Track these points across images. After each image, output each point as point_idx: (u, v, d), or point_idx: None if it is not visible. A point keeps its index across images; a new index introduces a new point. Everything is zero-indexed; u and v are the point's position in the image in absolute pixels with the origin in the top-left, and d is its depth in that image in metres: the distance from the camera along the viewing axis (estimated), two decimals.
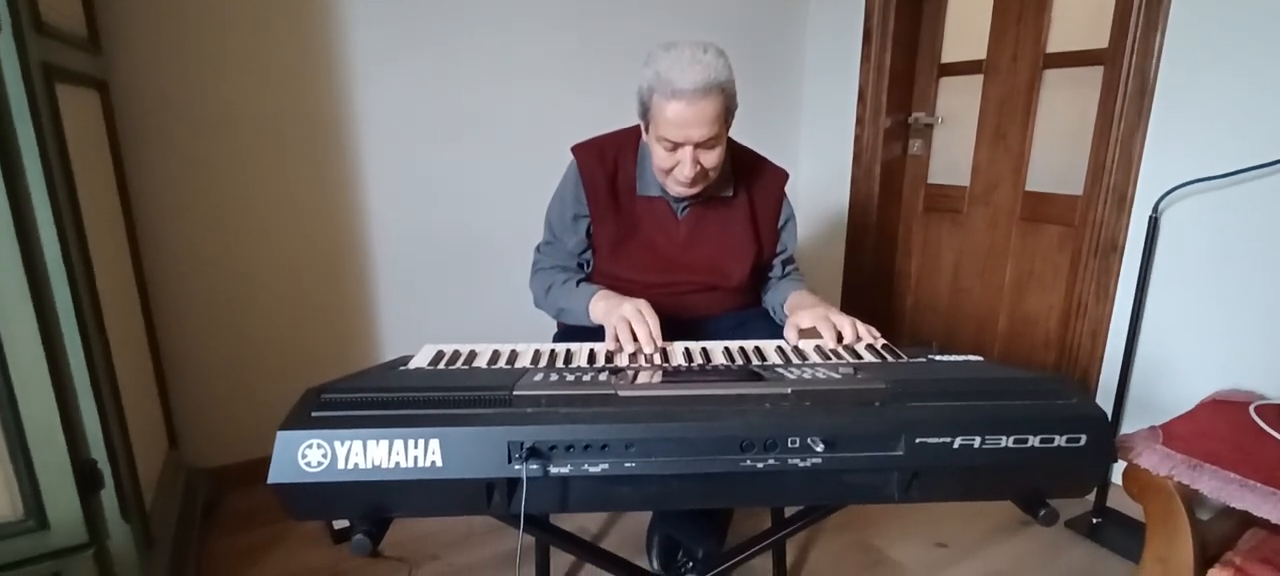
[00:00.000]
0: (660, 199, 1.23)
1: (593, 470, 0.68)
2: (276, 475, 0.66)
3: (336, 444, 0.66)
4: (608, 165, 1.23)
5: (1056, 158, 1.94)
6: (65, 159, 1.04)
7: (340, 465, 0.66)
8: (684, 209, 1.24)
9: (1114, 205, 1.68)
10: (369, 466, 0.66)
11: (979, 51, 2.09)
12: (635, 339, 1.00)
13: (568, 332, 1.25)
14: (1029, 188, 2.02)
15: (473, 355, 0.96)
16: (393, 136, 1.77)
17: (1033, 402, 0.75)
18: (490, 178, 1.93)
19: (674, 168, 1.11)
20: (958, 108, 2.20)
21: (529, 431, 0.68)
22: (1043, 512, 0.75)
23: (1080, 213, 1.82)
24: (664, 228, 1.24)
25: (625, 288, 1.18)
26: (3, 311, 0.92)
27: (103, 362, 1.09)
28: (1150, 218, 1.54)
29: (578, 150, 1.25)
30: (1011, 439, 0.72)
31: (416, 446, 0.67)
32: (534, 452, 0.67)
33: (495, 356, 0.95)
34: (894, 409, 0.73)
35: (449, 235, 1.91)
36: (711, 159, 1.11)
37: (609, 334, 1.04)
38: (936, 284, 2.34)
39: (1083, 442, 0.73)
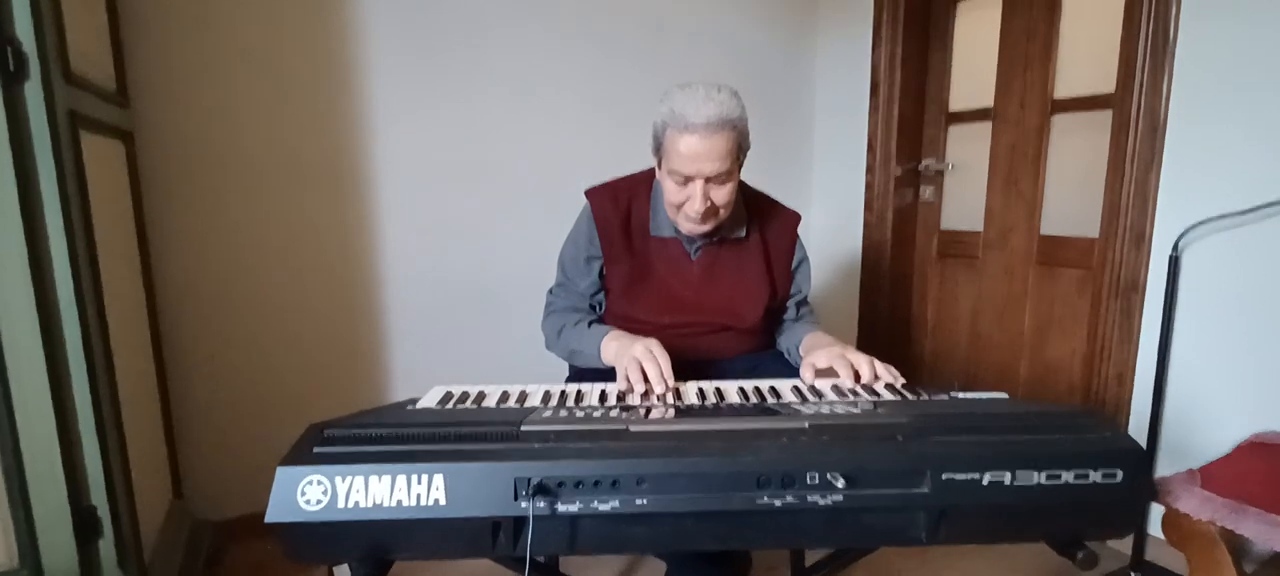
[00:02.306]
0: (674, 239, 1.23)
1: (603, 508, 0.65)
2: (275, 513, 0.64)
3: (337, 480, 0.64)
4: (621, 207, 1.23)
5: (1070, 200, 1.93)
6: (85, 205, 1.06)
7: (340, 503, 0.64)
8: (697, 249, 1.24)
9: (1132, 245, 1.66)
10: (370, 504, 0.64)
11: (986, 100, 2.11)
12: (646, 379, 0.98)
13: (580, 376, 1.23)
14: (1044, 231, 2.00)
15: (482, 395, 0.94)
16: (408, 186, 1.80)
17: (1064, 436, 0.71)
18: (504, 226, 1.95)
19: (685, 203, 1.11)
20: (968, 154, 2.21)
21: (536, 467, 0.65)
22: (1081, 555, 0.71)
23: (1098, 254, 1.79)
24: (677, 268, 1.23)
25: (638, 328, 1.16)
26: (13, 351, 0.92)
27: (109, 407, 1.08)
28: (1171, 256, 1.51)
29: (591, 194, 1.26)
30: (1044, 475, 0.68)
31: (419, 483, 0.64)
32: (541, 489, 0.65)
33: (505, 396, 0.93)
34: (918, 443, 0.70)
35: (463, 283, 1.91)
36: (722, 195, 1.11)
37: (620, 374, 1.02)
38: (954, 330, 2.29)
39: (1119, 478, 0.69)
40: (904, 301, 2.41)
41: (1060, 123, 1.94)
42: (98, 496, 1.03)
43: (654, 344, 1.02)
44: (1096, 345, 1.77)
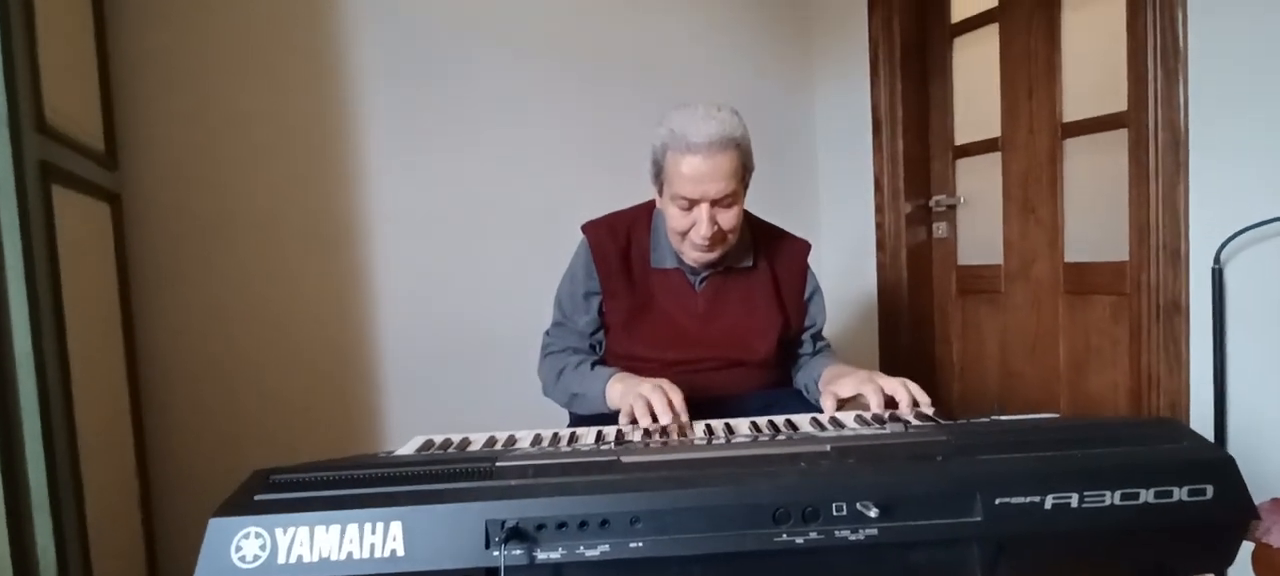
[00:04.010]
0: (676, 270, 1.16)
1: (590, 554, 0.55)
2: (205, 573, 0.54)
3: (278, 532, 0.54)
4: (619, 239, 1.17)
5: (1093, 224, 1.84)
6: (54, 260, 1.01)
7: (281, 558, 0.54)
8: (702, 281, 1.16)
9: (1168, 263, 1.55)
10: (315, 559, 0.54)
11: (993, 130, 2.06)
12: (655, 419, 0.88)
13: (581, 424, 1.12)
14: (1069, 258, 1.90)
15: (466, 442, 0.85)
16: (402, 241, 1.76)
17: (1137, 448, 0.60)
18: (500, 277, 1.89)
19: (690, 229, 1.04)
20: (979, 186, 2.14)
21: (511, 506, 0.55)
22: None
23: (1131, 277, 1.68)
24: (681, 300, 1.15)
25: (640, 366, 1.08)
26: None
27: (68, 478, 0.99)
28: (1213, 270, 1.40)
29: (587, 227, 1.21)
30: (1118, 494, 0.57)
31: (373, 532, 0.55)
32: (517, 534, 0.55)
33: (492, 441, 0.84)
34: (962, 464, 0.59)
35: (461, 338, 1.84)
36: (729, 219, 1.05)
37: (624, 412, 0.92)
38: (983, 370, 2.16)
39: (1209, 495, 0.58)
40: (926, 343, 2.29)
41: (1072, 146, 1.88)
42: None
43: (664, 381, 0.93)
44: (1142, 375, 1.63)
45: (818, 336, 1.26)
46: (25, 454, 0.92)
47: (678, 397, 0.91)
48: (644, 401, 0.90)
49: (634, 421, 0.91)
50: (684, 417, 0.89)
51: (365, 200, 1.72)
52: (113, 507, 1.22)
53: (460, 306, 1.84)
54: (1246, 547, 0.96)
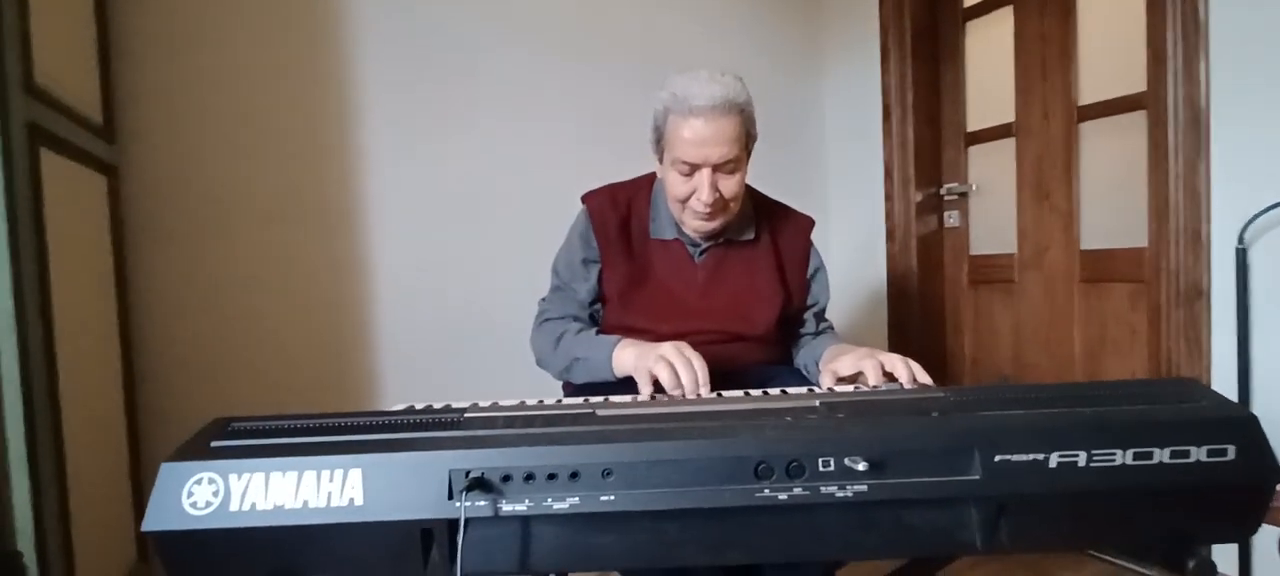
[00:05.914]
0: (676, 241, 1.13)
1: (559, 507, 0.52)
2: (153, 520, 0.51)
3: (232, 478, 0.52)
4: (619, 208, 1.14)
5: (1110, 210, 1.78)
6: (39, 224, 1.00)
7: (233, 505, 0.51)
8: (702, 253, 1.13)
9: (1188, 247, 1.49)
10: (269, 507, 0.51)
11: (1006, 115, 2.01)
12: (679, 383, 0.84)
13: (577, 394, 1.09)
14: (1085, 246, 1.84)
15: (449, 408, 0.82)
16: (403, 221, 1.74)
17: (1152, 406, 0.56)
18: (500, 261, 1.86)
19: (690, 196, 1.01)
20: (992, 174, 2.08)
21: (476, 456, 0.52)
22: (1192, 564, 0.54)
23: (1150, 263, 1.62)
24: (680, 272, 1.12)
25: (639, 339, 1.04)
26: None
27: (49, 444, 0.98)
28: (1237, 251, 1.35)
29: (588, 197, 1.18)
30: (1130, 453, 0.53)
31: (331, 479, 0.52)
32: (481, 484, 0.52)
33: (475, 407, 0.81)
34: (960, 418, 0.55)
35: (461, 320, 1.81)
36: (731, 186, 1.02)
37: (644, 379, 0.87)
38: (995, 362, 2.10)
39: (1230, 455, 0.53)
40: (938, 334, 2.23)
41: (1088, 129, 1.82)
42: (25, 542, 0.91)
43: (685, 345, 0.88)
44: (1161, 363, 1.57)
45: (821, 316, 1.22)
46: (4, 416, 0.90)
47: (700, 364, 0.85)
48: (666, 365, 0.85)
49: (656, 386, 0.86)
50: (706, 390, 0.84)
51: (366, 183, 1.70)
52: (100, 483, 1.20)
53: (460, 290, 1.82)
54: (1274, 534, 0.90)
